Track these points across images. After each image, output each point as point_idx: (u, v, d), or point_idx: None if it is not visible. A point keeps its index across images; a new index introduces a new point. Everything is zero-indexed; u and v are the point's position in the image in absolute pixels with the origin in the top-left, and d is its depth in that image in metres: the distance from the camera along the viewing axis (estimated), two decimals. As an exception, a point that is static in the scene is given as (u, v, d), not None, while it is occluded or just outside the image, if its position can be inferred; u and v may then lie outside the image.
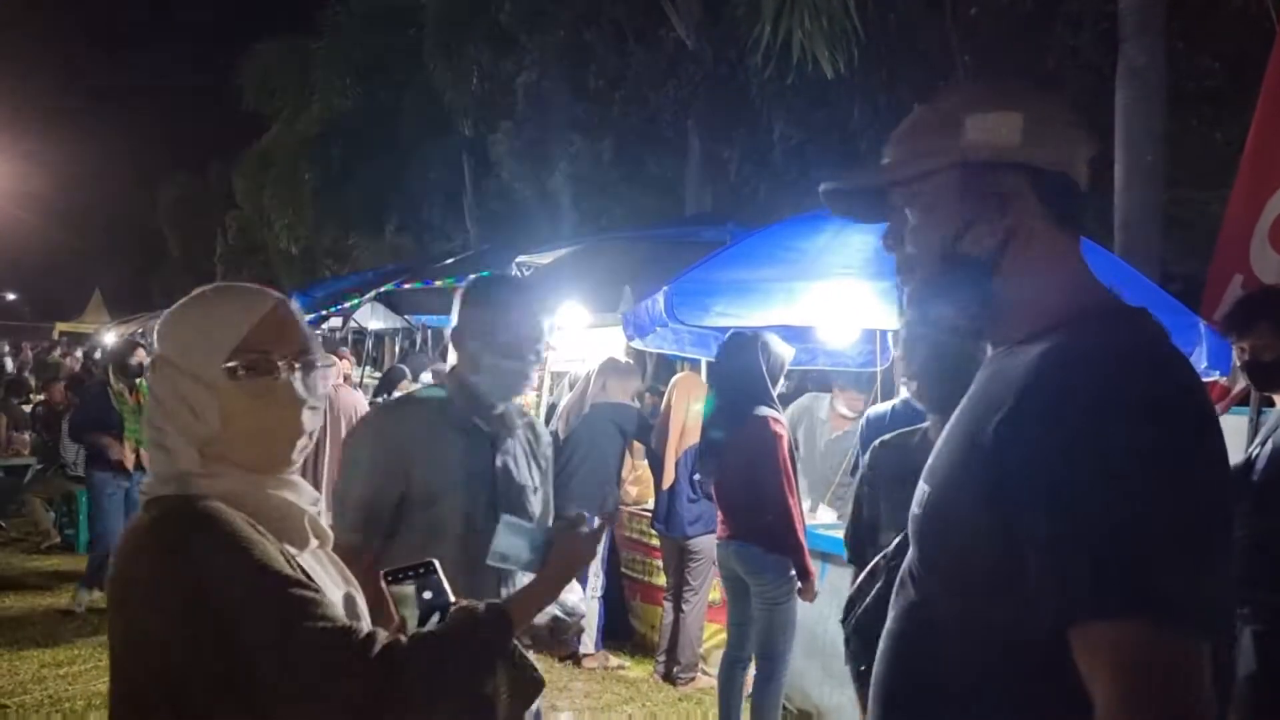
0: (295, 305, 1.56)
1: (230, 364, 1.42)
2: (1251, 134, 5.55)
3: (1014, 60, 10.35)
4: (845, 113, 11.36)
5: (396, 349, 15.35)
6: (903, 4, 10.51)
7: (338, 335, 13.37)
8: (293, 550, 1.43)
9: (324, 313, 11.78)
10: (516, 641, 1.53)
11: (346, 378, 9.61)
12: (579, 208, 15.28)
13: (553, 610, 2.30)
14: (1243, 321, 3.43)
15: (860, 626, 2.22)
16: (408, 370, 9.31)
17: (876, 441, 3.11)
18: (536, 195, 16.36)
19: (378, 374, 12.39)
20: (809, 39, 8.65)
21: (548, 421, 6.24)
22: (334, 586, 1.51)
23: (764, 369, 4.36)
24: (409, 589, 1.56)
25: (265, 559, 1.33)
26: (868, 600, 2.18)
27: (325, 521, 1.55)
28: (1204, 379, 4.95)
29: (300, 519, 1.47)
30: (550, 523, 2.75)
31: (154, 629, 1.33)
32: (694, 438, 5.48)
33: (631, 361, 6.64)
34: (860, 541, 3.03)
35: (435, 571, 1.58)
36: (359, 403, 7.10)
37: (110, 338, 20.04)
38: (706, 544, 5.43)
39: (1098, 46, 9.31)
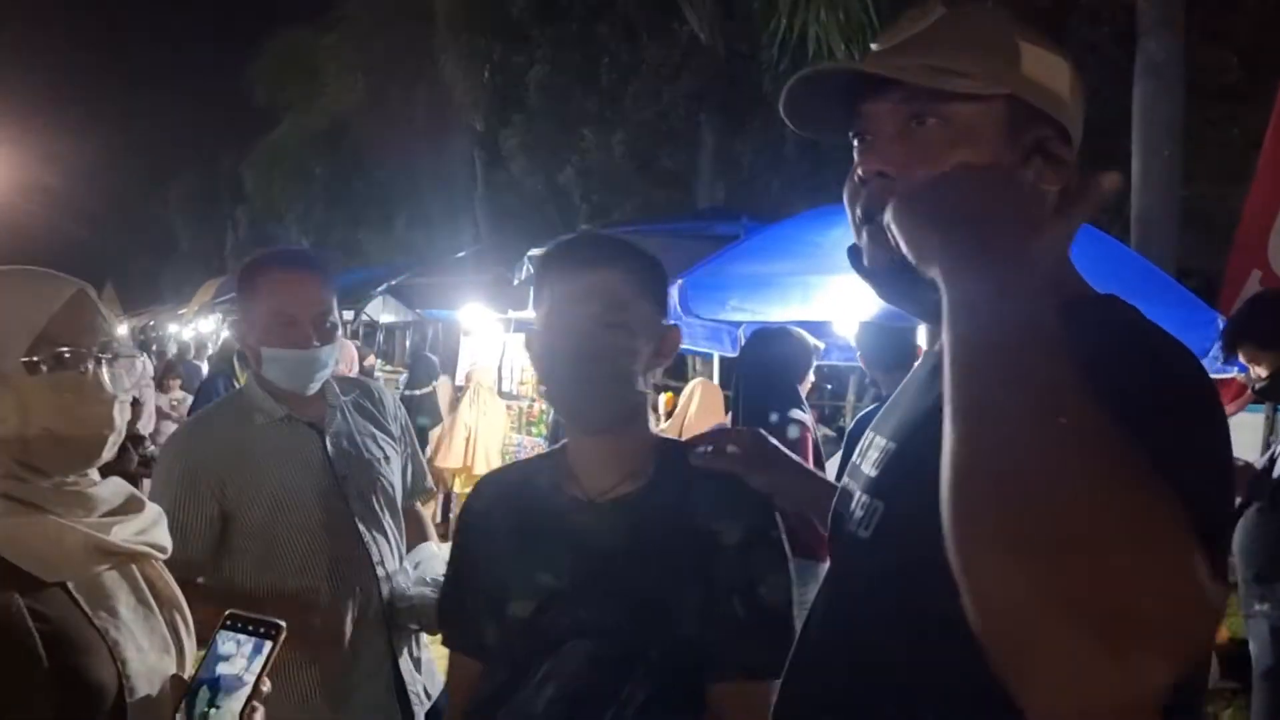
0: (94, 293, 1.39)
1: (30, 358, 1.27)
2: (1270, 129, 5.51)
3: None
4: (858, 107, 11.30)
5: (408, 342, 15.37)
6: (918, -3, 10.46)
7: (349, 328, 13.37)
8: (64, 579, 1.28)
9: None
10: None
11: (364, 369, 9.61)
12: (590, 202, 15.27)
13: (419, 589, 2.21)
14: (1227, 347, 3.59)
15: None
16: (436, 360, 9.27)
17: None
18: (547, 189, 16.35)
19: (389, 367, 12.40)
20: (825, 32, 8.61)
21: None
22: (129, 611, 1.35)
23: (794, 365, 4.26)
24: (207, 649, 1.34)
25: None
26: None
27: (132, 531, 1.36)
28: (1222, 375, 4.92)
29: (74, 544, 1.29)
30: (425, 484, 2.60)
31: None
32: (693, 432, 5.51)
33: None
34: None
35: (270, 639, 1.32)
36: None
37: (122, 330, 20.09)
38: None
39: (1116, 41, 9.25)
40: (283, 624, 1.34)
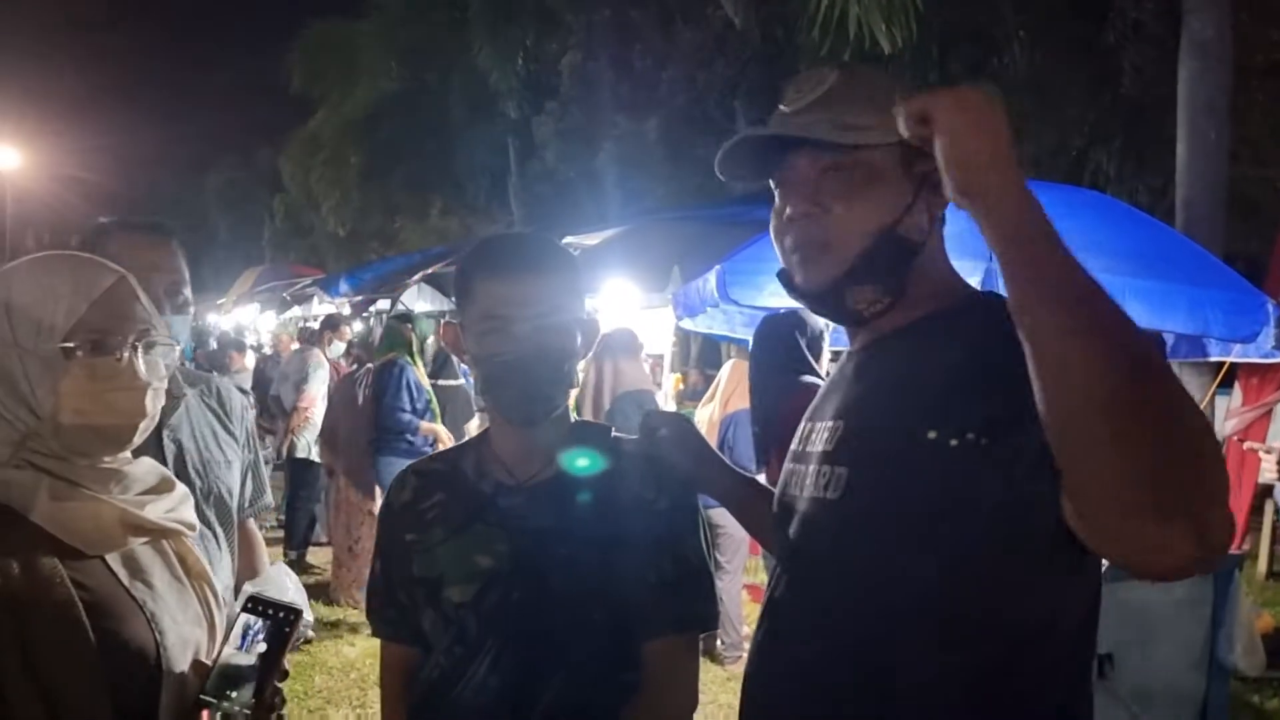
0: (134, 281, 1.43)
1: (68, 344, 1.31)
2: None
3: (1072, 34, 10.13)
4: (895, 91, 11.18)
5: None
6: (959, -24, 10.31)
7: (385, 318, 13.45)
8: (102, 552, 1.35)
9: (372, 294, 11.86)
10: None
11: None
12: (624, 188, 15.23)
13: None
14: None
15: None
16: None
17: None
18: (581, 176, 16.34)
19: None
20: (866, 14, 8.50)
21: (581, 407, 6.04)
22: (164, 584, 1.42)
23: (802, 344, 4.18)
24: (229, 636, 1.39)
25: None
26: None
27: (163, 510, 1.43)
28: (1270, 360, 4.82)
29: (111, 520, 1.36)
30: (264, 499, 2.39)
31: None
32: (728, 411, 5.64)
33: (629, 329, 6.05)
34: None
35: (289, 624, 1.37)
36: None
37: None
38: (731, 519, 5.18)
39: (1161, 19, 9.07)
40: (300, 608, 1.39)
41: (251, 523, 2.41)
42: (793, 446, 1.44)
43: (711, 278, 4.57)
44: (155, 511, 1.42)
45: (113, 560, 1.37)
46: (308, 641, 5.54)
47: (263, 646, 1.36)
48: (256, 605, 1.38)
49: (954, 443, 1.12)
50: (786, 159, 1.35)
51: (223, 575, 2.09)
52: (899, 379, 1.27)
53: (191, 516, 1.51)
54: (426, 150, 19.67)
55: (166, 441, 2.10)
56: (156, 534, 1.43)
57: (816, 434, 1.37)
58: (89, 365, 1.33)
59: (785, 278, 1.40)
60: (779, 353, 4.14)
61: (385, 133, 20.30)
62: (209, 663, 1.39)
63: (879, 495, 1.21)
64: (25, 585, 1.27)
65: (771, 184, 1.41)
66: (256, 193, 35.98)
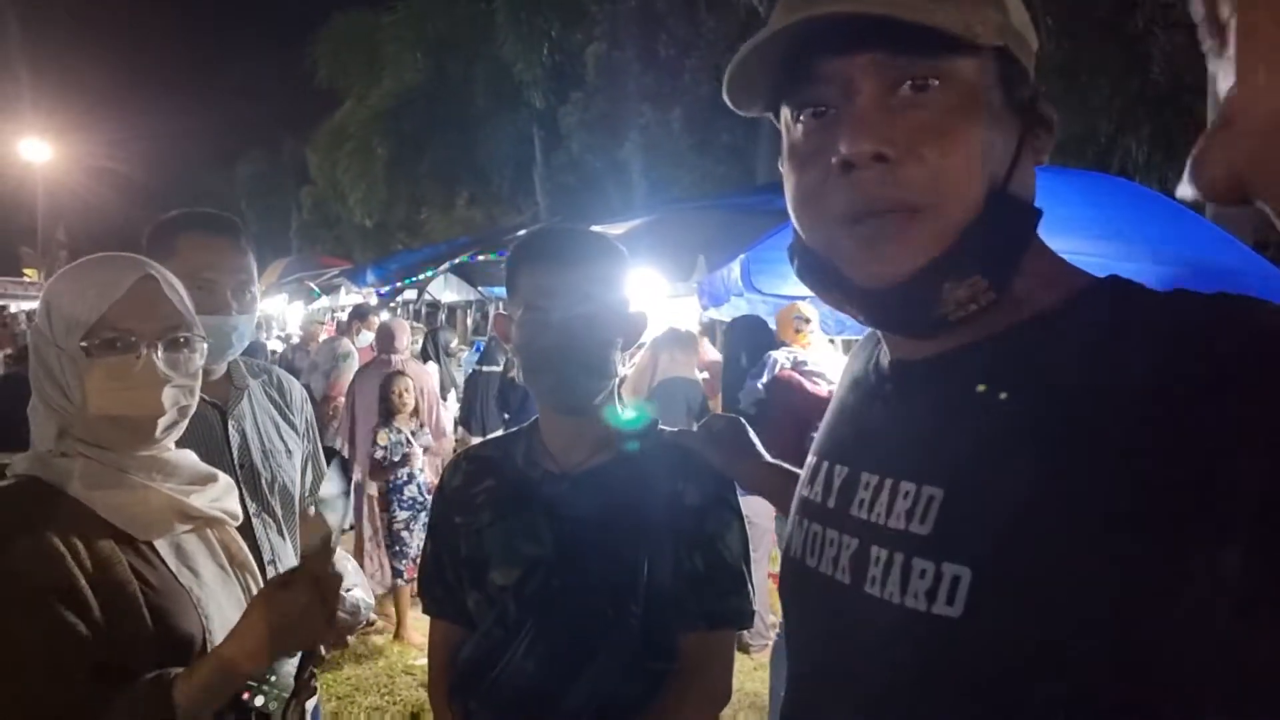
0: (170, 278, 1.47)
1: (85, 342, 1.37)
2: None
3: (1100, 19, 10.02)
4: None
5: (469, 320, 15.52)
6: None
7: (412, 307, 13.52)
8: (152, 537, 1.41)
9: (399, 284, 11.92)
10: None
11: (449, 351, 9.75)
12: (649, 178, 15.24)
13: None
14: None
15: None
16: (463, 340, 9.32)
17: None
18: (607, 166, 16.35)
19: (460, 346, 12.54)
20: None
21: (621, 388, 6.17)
22: (210, 572, 1.48)
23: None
24: None
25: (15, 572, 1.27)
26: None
27: (208, 499, 1.49)
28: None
29: (160, 506, 1.42)
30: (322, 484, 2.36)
31: None
32: None
33: (692, 331, 6.33)
34: None
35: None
36: (430, 375, 7.14)
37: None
38: (755, 506, 5.19)
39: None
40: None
41: (313, 510, 2.43)
42: (804, 493, 1.04)
43: (736, 266, 4.59)
44: (201, 500, 1.48)
45: (161, 547, 1.42)
46: (370, 624, 5.65)
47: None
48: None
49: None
50: (833, 69, 0.84)
51: (287, 564, 2.14)
52: (1035, 421, 0.78)
53: (235, 507, 1.55)
54: (452, 141, 19.75)
55: (231, 431, 2.13)
56: (202, 522, 1.49)
57: (870, 493, 0.90)
58: (106, 363, 1.38)
59: (827, 271, 0.89)
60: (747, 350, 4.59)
61: (410, 124, 20.38)
62: None
63: (1030, 607, 0.75)
64: (92, 564, 1.32)
65: (788, 114, 0.90)
66: (284, 184, 36.28)
